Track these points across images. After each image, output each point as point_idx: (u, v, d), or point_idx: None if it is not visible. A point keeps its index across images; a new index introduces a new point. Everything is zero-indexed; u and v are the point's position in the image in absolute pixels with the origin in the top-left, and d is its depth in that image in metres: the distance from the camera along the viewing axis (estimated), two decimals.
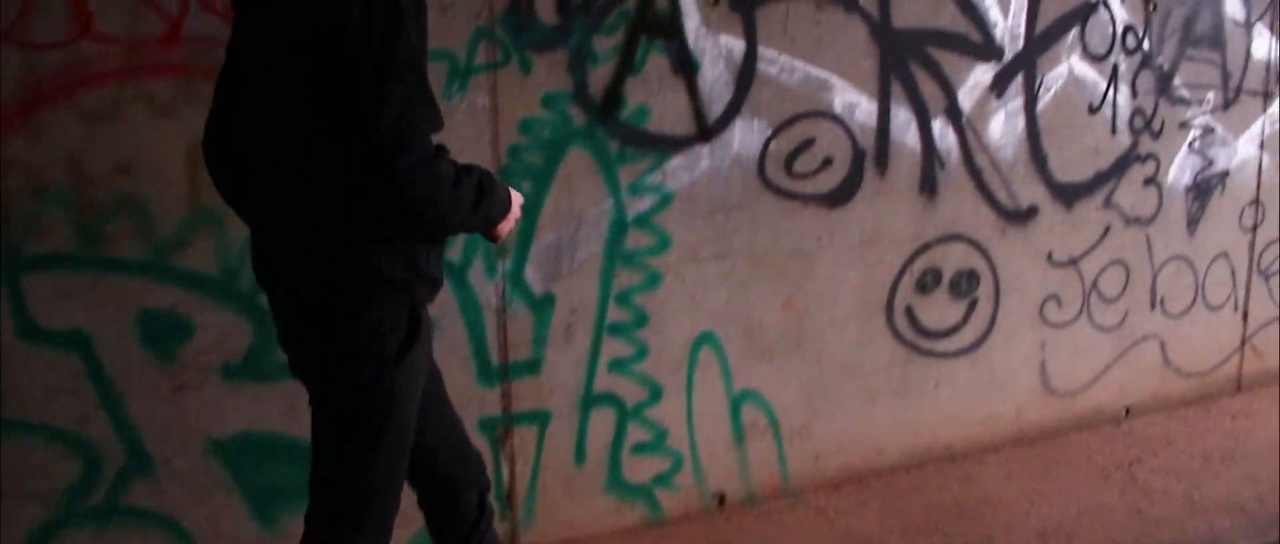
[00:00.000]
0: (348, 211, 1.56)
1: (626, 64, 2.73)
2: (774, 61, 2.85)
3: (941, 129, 3.13)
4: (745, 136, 2.89)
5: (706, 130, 2.85)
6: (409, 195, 1.51)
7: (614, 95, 2.69)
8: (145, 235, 2.27)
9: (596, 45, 2.68)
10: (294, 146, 1.57)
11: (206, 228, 2.31)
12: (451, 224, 1.63)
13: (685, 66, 2.78)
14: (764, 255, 2.94)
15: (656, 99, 2.73)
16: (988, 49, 3.15)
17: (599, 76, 2.68)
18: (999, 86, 3.21)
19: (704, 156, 2.84)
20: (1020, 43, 3.22)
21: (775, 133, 2.91)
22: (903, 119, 3.07)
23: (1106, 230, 3.54)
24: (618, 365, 2.83)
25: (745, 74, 2.86)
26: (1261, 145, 3.83)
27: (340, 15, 1.45)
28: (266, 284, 1.74)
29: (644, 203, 2.81)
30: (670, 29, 2.75)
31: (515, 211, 1.77)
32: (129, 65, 2.19)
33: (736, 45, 2.83)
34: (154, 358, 2.31)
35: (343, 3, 1.46)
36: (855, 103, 2.99)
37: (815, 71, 2.92)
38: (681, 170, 2.82)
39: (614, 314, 2.80)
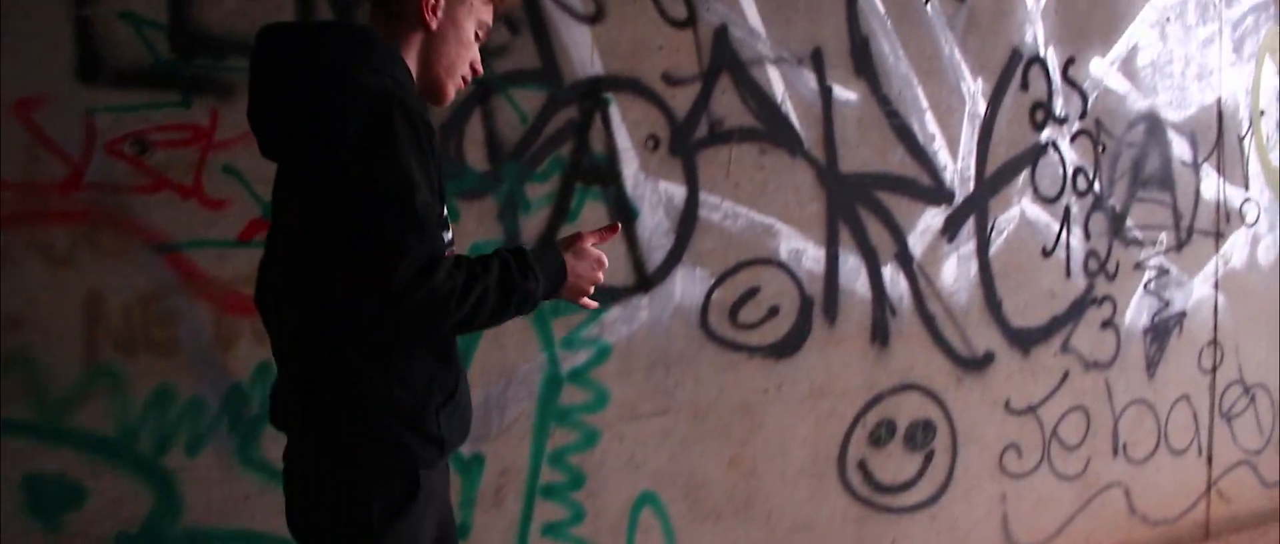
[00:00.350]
0: (340, 353, 1.47)
1: (561, 211, 2.62)
2: (716, 207, 2.75)
3: (892, 275, 3.03)
4: (687, 286, 2.76)
5: (646, 280, 2.72)
6: (409, 326, 1.41)
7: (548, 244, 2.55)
8: (36, 394, 2.09)
9: (529, 193, 2.57)
10: (296, 282, 1.50)
11: (103, 385, 2.13)
12: (482, 324, 1.50)
13: (623, 213, 2.66)
14: (708, 410, 2.78)
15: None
16: (938, 193, 3.08)
17: (532, 225, 2.56)
18: (950, 230, 3.13)
19: (643, 307, 2.70)
20: (970, 186, 3.16)
21: (718, 281, 2.79)
22: (852, 265, 2.97)
23: (1065, 376, 3.43)
24: (552, 530, 2.64)
25: (686, 221, 2.76)
26: (1216, 285, 3.78)
27: (331, 134, 1.40)
28: (277, 427, 1.63)
29: (579, 357, 2.66)
30: (607, 175, 2.65)
31: (592, 271, 1.64)
32: (24, 211, 2.02)
33: (677, 191, 2.73)
34: (39, 526, 2.08)
35: (332, 122, 1.40)
36: (802, 249, 2.89)
37: (760, 217, 2.82)
38: (619, 322, 2.68)
39: (548, 475, 2.62)
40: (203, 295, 2.25)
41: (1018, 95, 3.25)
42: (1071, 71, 3.35)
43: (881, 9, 2.98)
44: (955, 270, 3.18)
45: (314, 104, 1.43)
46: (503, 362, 2.56)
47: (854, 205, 3.00)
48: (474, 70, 1.67)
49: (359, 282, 1.37)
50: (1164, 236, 3.67)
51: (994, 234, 3.25)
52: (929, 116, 3.07)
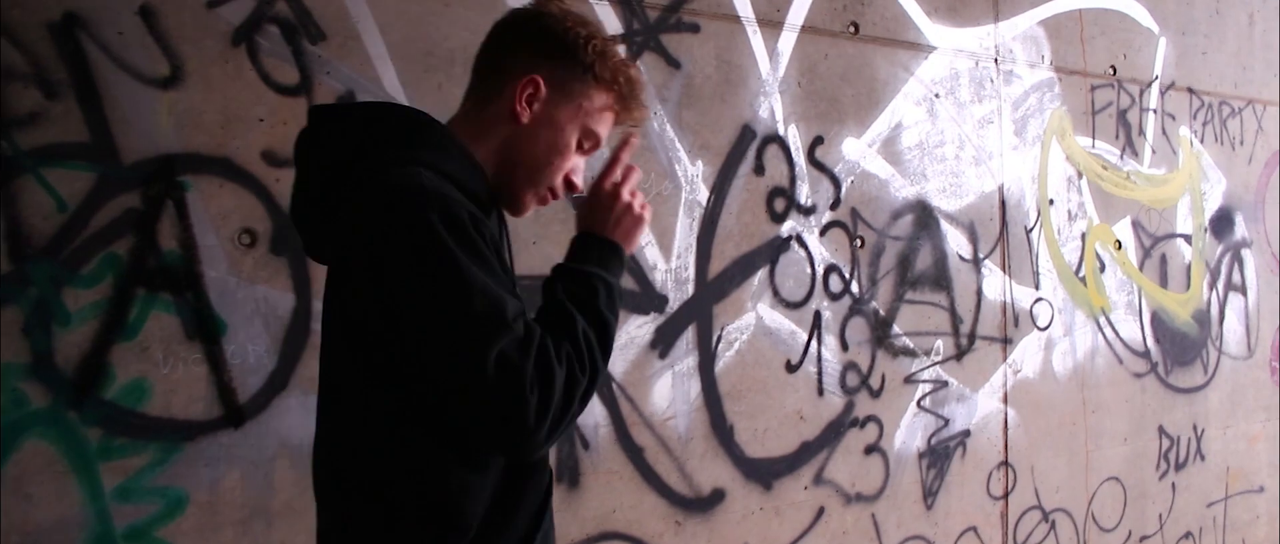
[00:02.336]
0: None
1: (114, 325, 2.12)
2: None
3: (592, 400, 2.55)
4: (297, 419, 2.26)
5: (237, 412, 2.21)
6: (557, 437, 1.33)
7: (94, 367, 2.04)
8: None
9: (68, 301, 2.05)
10: (335, 419, 1.42)
11: None
12: (607, 358, 1.40)
13: (205, 329, 2.16)
14: None
15: (161, 372, 2.10)
16: (644, 298, 2.70)
17: (73, 341, 2.04)
18: (662, 343, 2.71)
19: (234, 446, 2.18)
20: (689, 289, 2.75)
21: None
22: None
23: (820, 513, 3.02)
24: None
25: (295, 336, 2.27)
26: (1005, 398, 3.44)
27: (366, 246, 1.29)
28: None
29: (142, 511, 2.12)
30: (182, 279, 2.16)
31: (633, 213, 1.54)
32: None
33: (282, 299, 2.25)
34: None
35: (364, 230, 1.29)
36: None
37: None
38: (200, 465, 2.17)
39: None
40: None
41: (751, 180, 2.87)
42: (819, 153, 3.00)
43: None
44: (670, 391, 2.75)
45: (344, 206, 1.33)
46: (27, 519, 2.02)
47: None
48: (568, 185, 1.52)
49: (483, 433, 1.29)
50: (940, 344, 3.31)
51: (721, 347, 2.84)
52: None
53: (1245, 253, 4.36)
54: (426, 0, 2.47)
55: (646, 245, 2.77)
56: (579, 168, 1.53)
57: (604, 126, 1.51)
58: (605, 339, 1.38)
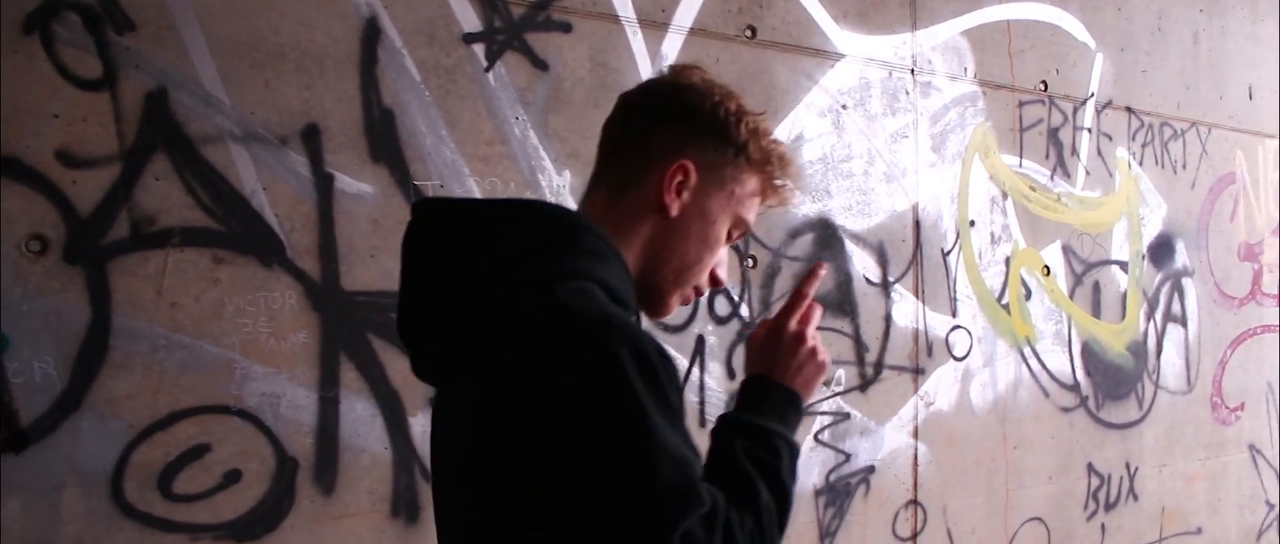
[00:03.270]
0: None
1: None
2: (142, 335, 2.18)
3: (426, 426, 2.42)
4: (91, 444, 2.12)
5: (20, 435, 2.07)
6: None
7: None
8: None
9: None
10: None
11: None
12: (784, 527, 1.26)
13: None
14: None
15: None
16: None
17: None
18: None
19: (15, 474, 2.04)
20: None
21: (142, 437, 2.15)
22: (361, 414, 2.37)
23: None
24: None
25: (90, 354, 2.13)
26: (915, 433, 3.29)
27: (529, 379, 1.12)
28: None
29: None
30: None
31: (815, 359, 1.38)
32: None
33: (76, 312, 2.10)
34: None
35: (530, 362, 1.12)
36: (279, 392, 2.28)
37: (212, 349, 2.22)
38: None
39: None
40: None
41: None
42: None
43: (415, 74, 2.43)
44: None
45: (495, 328, 1.16)
46: None
47: (363, 334, 2.39)
48: (713, 281, 1.37)
49: None
50: (842, 374, 3.18)
51: None
52: None
53: (1186, 282, 4.24)
54: None
55: None
56: (724, 261, 1.39)
57: (753, 213, 1.37)
58: (785, 511, 1.25)
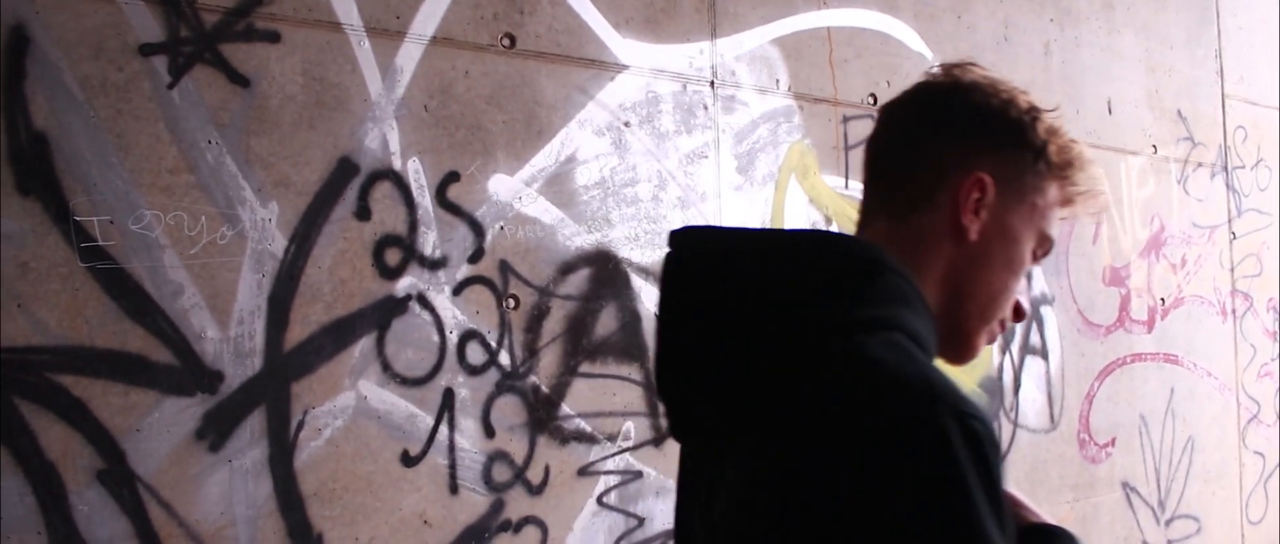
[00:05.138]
0: None
1: None
2: None
3: (95, 508, 2.22)
4: None
5: None
6: None
7: None
8: None
9: None
10: None
11: None
12: None
13: None
14: None
15: None
16: (185, 375, 2.40)
17: None
18: (215, 433, 2.38)
19: None
20: (255, 363, 2.42)
21: None
22: (7, 493, 2.16)
23: None
24: None
25: None
26: None
27: (830, 454, 0.98)
28: None
29: None
30: None
31: None
32: None
33: None
34: None
35: (834, 433, 0.99)
36: None
37: None
38: None
39: None
40: None
41: (350, 226, 2.57)
42: (453, 193, 2.71)
43: (76, 92, 2.23)
44: (226, 493, 2.40)
45: (790, 387, 1.03)
46: None
47: (10, 398, 2.19)
48: (1017, 313, 1.25)
49: None
50: (631, 427, 3.01)
51: (304, 436, 2.51)
52: (169, 255, 2.30)
53: (1046, 310, 4.16)
54: None
55: (193, 306, 2.41)
56: (1025, 289, 1.22)
57: (1056, 227, 1.25)
58: None
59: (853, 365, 1.03)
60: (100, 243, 2.37)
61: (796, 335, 1.07)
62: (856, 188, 3.67)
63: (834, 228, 3.59)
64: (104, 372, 2.39)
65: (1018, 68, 4.13)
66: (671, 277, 1.22)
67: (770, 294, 1.10)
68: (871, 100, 3.69)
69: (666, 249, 1.25)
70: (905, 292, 1.14)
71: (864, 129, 3.68)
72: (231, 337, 2.54)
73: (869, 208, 1.27)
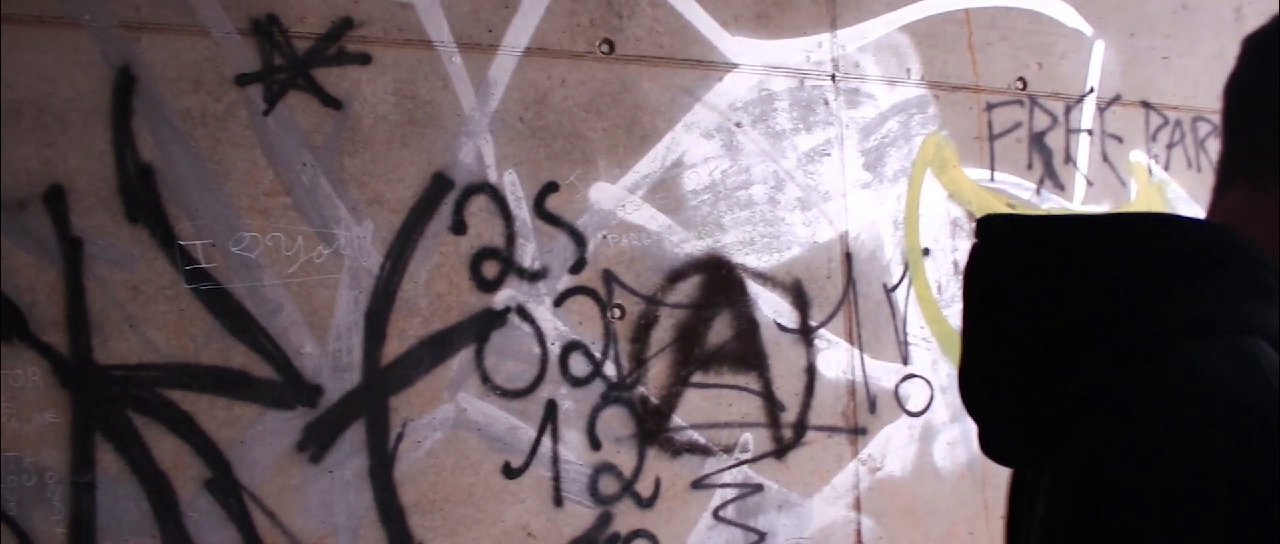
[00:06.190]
0: None
1: None
2: None
3: (204, 513, 2.44)
4: None
5: None
6: None
7: None
8: None
9: None
10: None
11: None
12: None
13: None
14: None
15: None
16: (285, 389, 2.59)
17: None
18: (315, 445, 2.57)
19: None
20: (354, 377, 2.58)
21: None
22: (122, 500, 2.46)
23: None
24: None
25: None
26: (857, 504, 3.08)
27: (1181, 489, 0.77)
28: None
29: None
30: None
31: None
32: None
33: None
34: None
35: (1177, 461, 0.78)
36: (25, 479, 2.33)
37: None
38: None
39: None
40: None
41: (446, 240, 2.68)
42: (552, 204, 2.79)
43: (178, 124, 2.46)
44: (329, 502, 2.57)
45: (1109, 402, 0.86)
46: None
47: (123, 411, 2.42)
48: None
49: None
50: (749, 438, 3.01)
51: (404, 447, 2.65)
52: (268, 275, 2.50)
53: None
54: None
55: (291, 324, 2.59)
56: None
57: None
58: None
59: (1180, 379, 0.83)
60: (203, 265, 2.57)
61: (1120, 338, 0.89)
62: (1004, 178, 3.51)
63: None
64: (210, 386, 2.59)
65: (1202, 39, 3.83)
66: (977, 272, 1.06)
67: (1088, 295, 0.93)
68: (1020, 85, 3.52)
69: (972, 240, 1.10)
70: (1263, 280, 0.91)
71: (1012, 116, 3.51)
72: (330, 351, 2.70)
73: (1226, 171, 1.03)
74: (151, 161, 2.57)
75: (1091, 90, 3.64)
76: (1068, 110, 3.62)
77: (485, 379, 2.86)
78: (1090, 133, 3.64)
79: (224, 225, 2.63)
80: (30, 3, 2.46)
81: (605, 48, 3.00)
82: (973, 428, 3.14)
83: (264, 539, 2.66)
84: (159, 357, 2.56)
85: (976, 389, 1.03)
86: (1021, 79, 3.55)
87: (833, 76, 3.27)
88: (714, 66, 3.12)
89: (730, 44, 3.14)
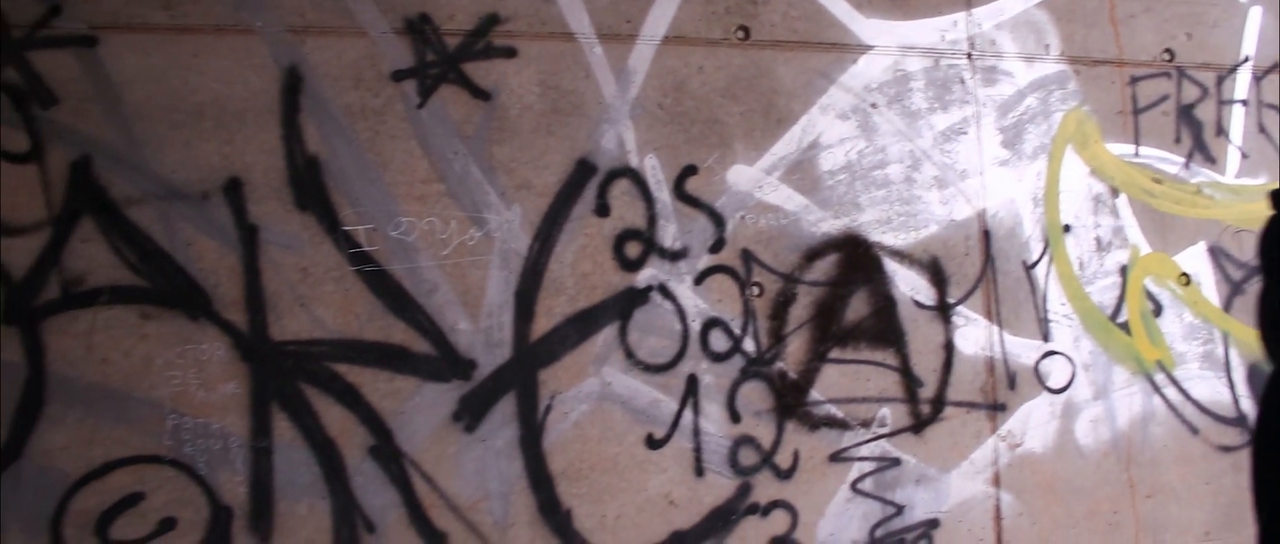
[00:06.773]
0: None
1: None
2: (75, 389, 2.57)
3: (368, 477, 2.59)
4: (31, 492, 2.54)
5: None
6: None
7: None
8: None
9: None
10: None
11: None
12: None
13: None
14: None
15: None
16: (442, 362, 2.76)
17: None
18: (470, 415, 2.69)
19: None
20: (505, 351, 2.70)
21: (79, 485, 2.49)
22: (295, 463, 2.57)
23: None
24: None
25: (28, 410, 2.46)
26: (996, 480, 3.04)
27: None
28: None
29: None
30: None
31: None
32: None
33: (14, 369, 2.45)
34: None
35: None
36: (211, 443, 2.53)
37: (144, 401, 2.54)
38: None
39: None
40: None
41: (591, 223, 2.77)
42: (691, 186, 2.85)
43: (340, 118, 2.60)
44: (481, 470, 2.69)
45: None
46: None
47: (295, 383, 2.59)
48: None
49: None
50: (887, 413, 3.00)
51: (552, 419, 2.75)
52: (424, 257, 2.62)
53: None
54: (172, 53, 2.55)
55: (447, 302, 2.71)
56: None
57: None
58: None
59: None
60: (365, 248, 2.69)
61: None
62: (1150, 153, 3.36)
63: (1121, 200, 3.31)
64: (373, 361, 2.72)
65: None
66: (1270, 240, 1.10)
67: None
68: (1167, 56, 3.38)
69: (1269, 212, 1.10)
70: None
71: (1158, 88, 3.38)
72: (482, 328, 2.79)
73: None
74: (317, 154, 2.71)
75: (1247, 59, 3.46)
76: (1220, 81, 3.45)
77: (629, 354, 2.91)
78: (1245, 103, 3.45)
79: (383, 212, 2.75)
80: (210, 13, 2.61)
81: (741, 34, 3.00)
82: (1118, 405, 3.03)
83: (423, 503, 2.77)
84: (327, 333, 2.70)
85: (1276, 336, 1.13)
86: (1168, 51, 3.39)
87: (969, 55, 3.19)
88: (849, 49, 3.09)
89: (864, 26, 3.10)
